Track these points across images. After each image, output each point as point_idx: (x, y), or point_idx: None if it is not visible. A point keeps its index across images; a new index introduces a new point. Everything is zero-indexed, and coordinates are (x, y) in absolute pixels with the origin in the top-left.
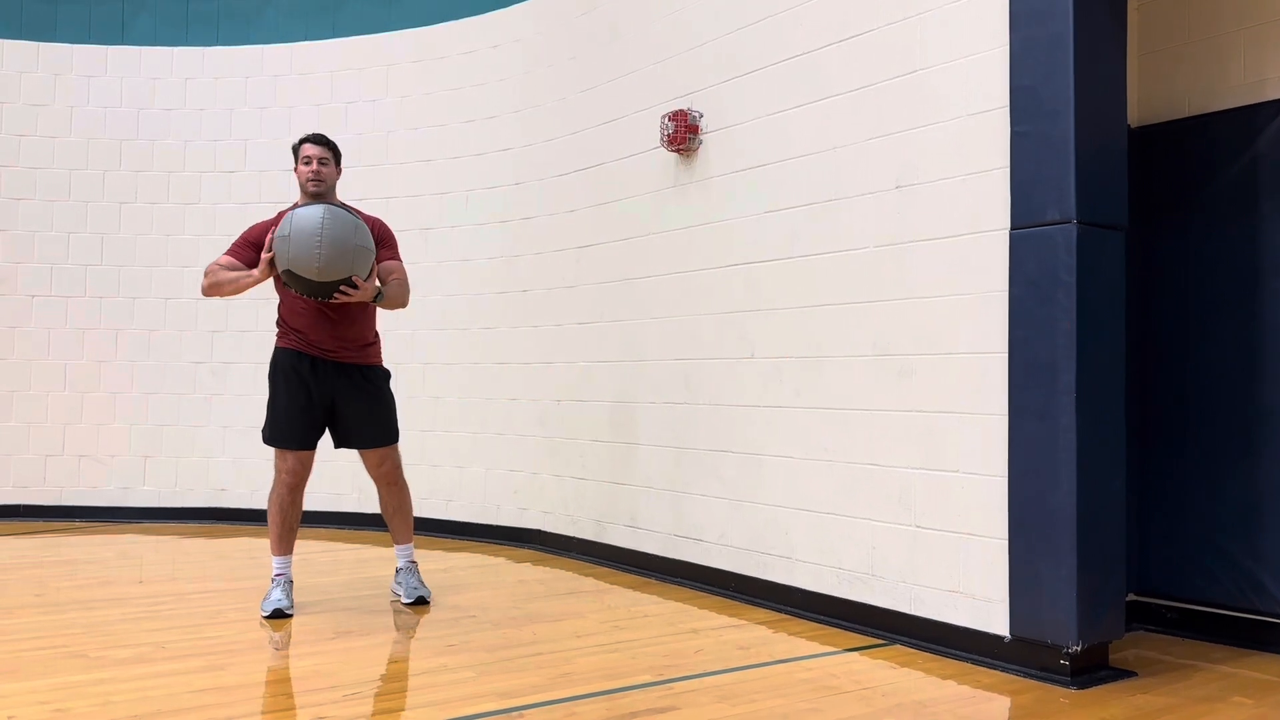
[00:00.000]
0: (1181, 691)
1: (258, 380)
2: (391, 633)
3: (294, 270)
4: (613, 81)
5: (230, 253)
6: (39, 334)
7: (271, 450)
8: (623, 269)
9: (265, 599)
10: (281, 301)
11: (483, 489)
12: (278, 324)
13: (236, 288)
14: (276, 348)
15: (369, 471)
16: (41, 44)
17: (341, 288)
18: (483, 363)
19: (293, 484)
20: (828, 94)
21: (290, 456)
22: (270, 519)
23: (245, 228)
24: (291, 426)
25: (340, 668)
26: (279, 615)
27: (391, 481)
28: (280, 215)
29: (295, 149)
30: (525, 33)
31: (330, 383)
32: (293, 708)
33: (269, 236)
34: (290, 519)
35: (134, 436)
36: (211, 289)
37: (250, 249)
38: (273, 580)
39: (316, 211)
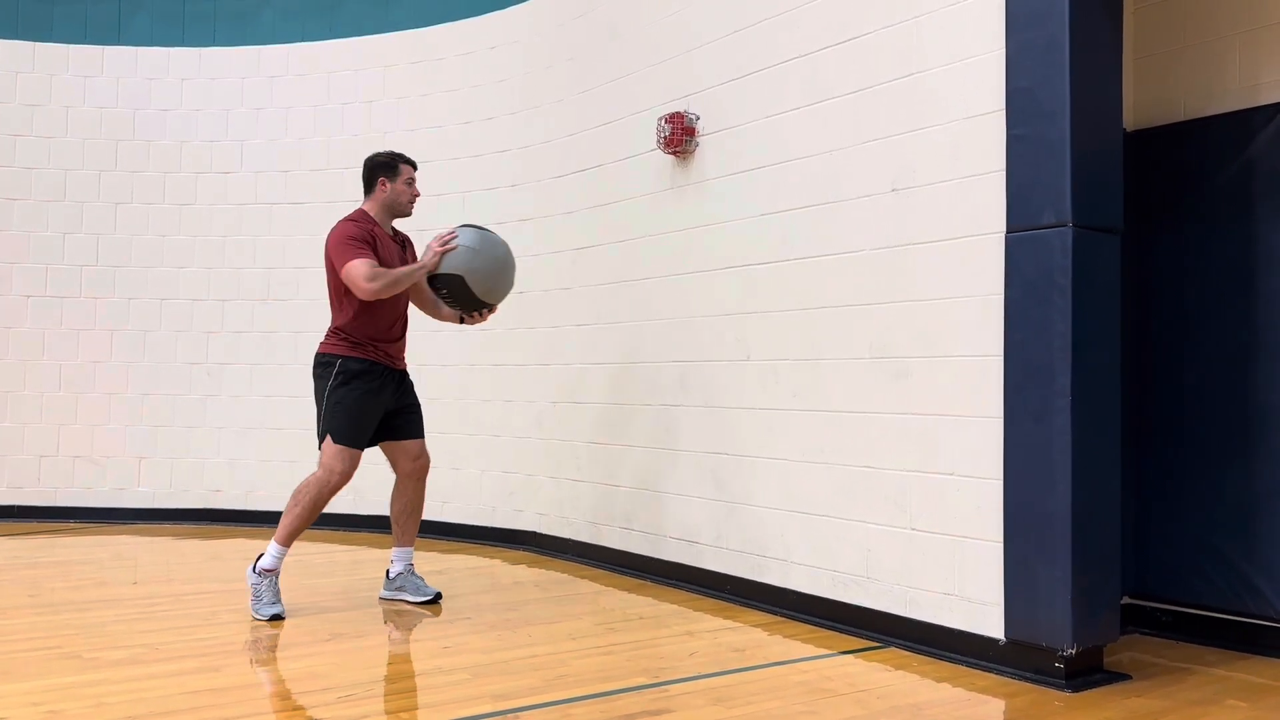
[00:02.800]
0: (1176, 695)
1: (253, 381)
2: (386, 634)
3: (470, 282)
4: (610, 83)
5: (367, 257)
6: (34, 334)
7: (269, 451)
8: (619, 271)
9: (258, 601)
10: (353, 317)
11: (478, 491)
12: (342, 337)
13: (412, 280)
14: (347, 356)
15: (404, 466)
16: (37, 44)
17: (484, 311)
18: (479, 364)
19: (344, 484)
20: (824, 96)
21: (352, 457)
22: (301, 511)
23: (244, 228)
24: (363, 428)
25: (335, 670)
26: (278, 618)
27: (422, 476)
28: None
29: (390, 164)
30: (523, 34)
31: (391, 389)
32: (287, 710)
33: (448, 239)
34: (316, 516)
35: (129, 437)
36: (391, 287)
37: (370, 247)
38: (265, 576)
39: (500, 241)
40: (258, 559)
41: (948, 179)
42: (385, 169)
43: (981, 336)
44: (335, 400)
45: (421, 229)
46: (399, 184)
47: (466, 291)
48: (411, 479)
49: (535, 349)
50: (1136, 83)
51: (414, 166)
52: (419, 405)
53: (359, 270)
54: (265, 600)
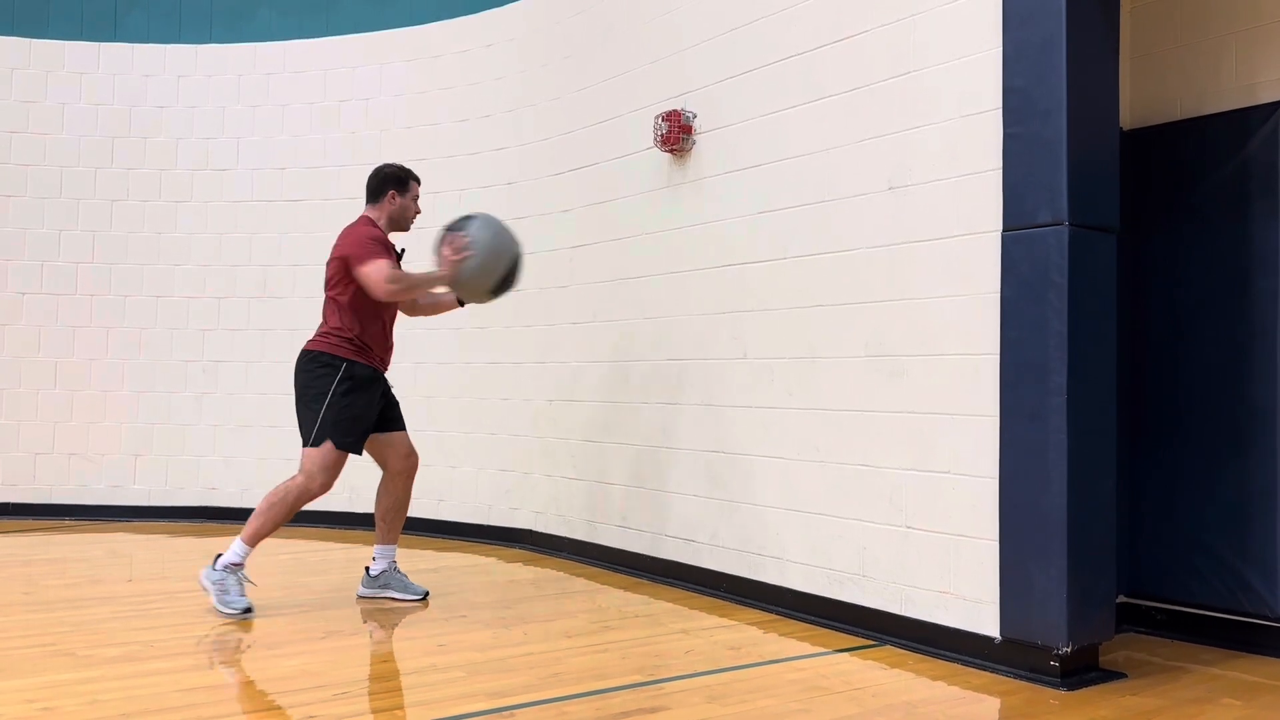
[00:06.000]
0: (1171, 693)
1: (249, 379)
2: (381, 632)
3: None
4: (607, 81)
5: (388, 259)
6: (29, 331)
7: (265, 449)
8: (616, 269)
9: (226, 595)
10: (358, 321)
11: (474, 489)
12: (346, 340)
13: (427, 288)
14: (353, 361)
15: (395, 464)
16: (34, 40)
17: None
18: (475, 362)
19: (324, 494)
20: (821, 95)
21: (342, 464)
22: (276, 515)
23: (241, 226)
24: (364, 435)
25: (329, 667)
26: (250, 612)
27: (412, 474)
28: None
29: (403, 179)
30: (520, 32)
31: (384, 394)
32: (282, 707)
33: (461, 248)
34: (286, 521)
35: (124, 435)
36: (407, 291)
37: (386, 249)
38: (232, 569)
39: (492, 223)
40: (217, 558)
41: (944, 177)
42: (397, 182)
43: (977, 335)
44: (343, 405)
45: (417, 227)
46: (407, 199)
47: (507, 278)
48: (402, 476)
49: (532, 347)
50: (1133, 82)
51: (420, 184)
52: (398, 401)
53: (381, 271)
54: (235, 593)
